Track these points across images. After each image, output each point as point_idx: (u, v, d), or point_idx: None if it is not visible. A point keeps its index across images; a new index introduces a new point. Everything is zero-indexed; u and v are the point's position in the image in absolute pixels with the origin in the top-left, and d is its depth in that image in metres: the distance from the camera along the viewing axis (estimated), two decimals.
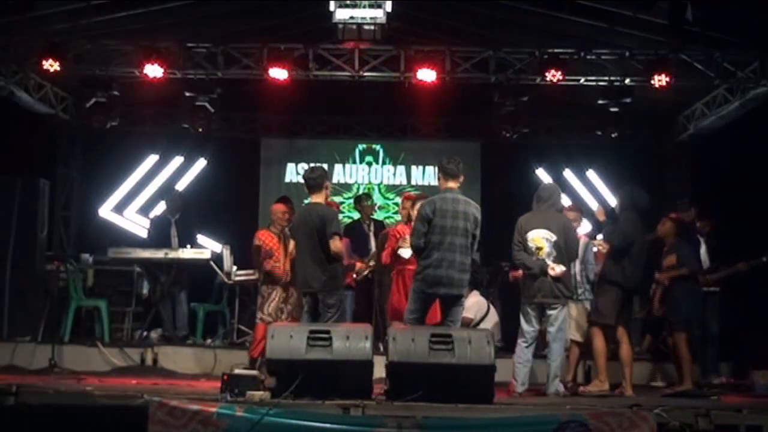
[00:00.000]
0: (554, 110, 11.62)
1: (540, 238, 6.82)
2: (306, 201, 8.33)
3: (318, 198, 6.89)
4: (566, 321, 6.96)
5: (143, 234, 10.93)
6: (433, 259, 6.40)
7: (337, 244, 6.72)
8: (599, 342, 7.08)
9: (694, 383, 7.49)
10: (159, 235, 9.40)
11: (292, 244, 7.23)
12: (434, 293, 6.48)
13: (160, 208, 10.40)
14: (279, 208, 8.07)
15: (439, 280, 6.39)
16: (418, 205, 6.96)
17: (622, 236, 7.07)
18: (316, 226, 6.70)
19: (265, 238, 7.95)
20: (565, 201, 11.34)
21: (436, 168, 6.75)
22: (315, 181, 6.90)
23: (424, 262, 6.46)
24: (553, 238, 6.80)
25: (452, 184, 6.57)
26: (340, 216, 8.59)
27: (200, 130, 10.20)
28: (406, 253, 7.25)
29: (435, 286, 6.42)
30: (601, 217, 7.55)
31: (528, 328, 6.87)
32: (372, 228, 9.29)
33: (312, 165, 7.38)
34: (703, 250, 8.52)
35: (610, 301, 7.06)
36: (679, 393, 7.06)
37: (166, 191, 10.34)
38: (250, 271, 8.96)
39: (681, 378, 7.46)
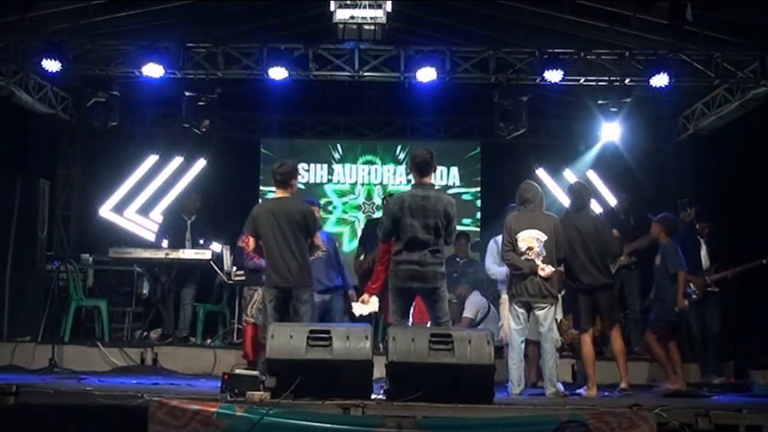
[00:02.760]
0: (554, 110, 11.62)
1: (531, 238, 6.83)
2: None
3: (286, 193, 6.84)
4: (554, 321, 6.97)
5: (146, 234, 10.95)
6: (403, 256, 6.42)
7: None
8: (587, 348, 7.06)
9: (689, 384, 7.50)
10: (172, 233, 9.35)
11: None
12: (408, 287, 6.46)
13: (161, 207, 10.38)
14: None
15: (411, 275, 6.40)
16: None
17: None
18: (296, 222, 6.67)
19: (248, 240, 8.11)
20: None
21: (410, 160, 6.71)
22: (284, 176, 6.83)
23: (395, 259, 6.49)
24: (544, 238, 6.82)
25: (425, 179, 6.55)
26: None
27: (201, 129, 10.19)
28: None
29: (408, 281, 6.42)
30: None
31: (517, 327, 6.88)
32: None
33: (281, 160, 7.28)
34: (703, 251, 8.51)
35: (577, 307, 7.15)
36: (676, 393, 7.07)
37: (185, 192, 10.26)
38: (242, 271, 8.97)
39: (668, 377, 7.46)
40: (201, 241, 9.31)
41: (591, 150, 11.31)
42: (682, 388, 7.22)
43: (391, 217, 6.47)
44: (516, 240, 6.87)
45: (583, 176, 11.71)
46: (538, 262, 6.78)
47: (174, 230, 9.45)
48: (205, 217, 9.76)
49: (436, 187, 6.89)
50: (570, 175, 11.83)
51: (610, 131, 10.40)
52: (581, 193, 7.36)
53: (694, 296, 8.25)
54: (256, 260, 7.91)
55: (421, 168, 6.55)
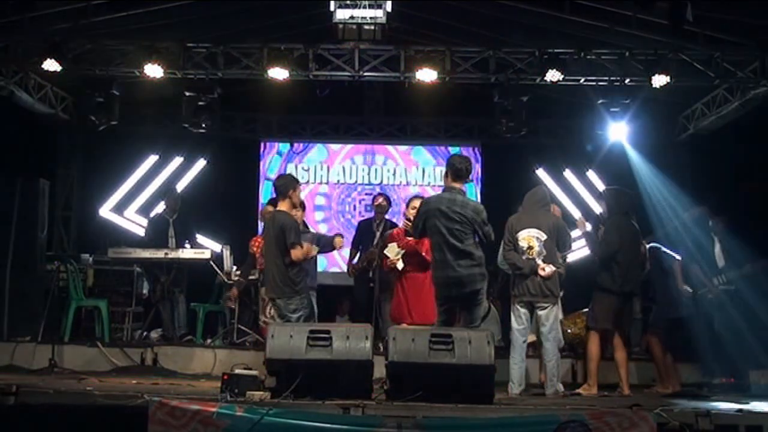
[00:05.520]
0: (554, 110, 11.62)
1: (531, 238, 6.84)
2: None
3: (283, 206, 6.95)
4: (557, 321, 6.96)
5: (141, 233, 10.93)
6: (438, 261, 6.47)
7: (296, 254, 6.75)
8: (594, 347, 7.06)
9: (685, 385, 7.51)
10: (156, 235, 9.40)
11: None
12: (448, 294, 6.49)
13: (161, 207, 10.40)
14: (267, 209, 8.23)
15: (448, 281, 6.42)
16: (412, 203, 7.21)
17: (605, 245, 7.06)
18: (276, 234, 6.77)
19: (256, 244, 8.16)
20: (565, 201, 11.50)
21: (446, 164, 6.79)
22: (279, 189, 7.04)
23: (432, 265, 6.56)
24: (544, 237, 6.82)
25: (456, 184, 6.57)
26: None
27: (201, 129, 10.19)
28: (397, 261, 7.34)
29: (447, 287, 6.45)
30: (583, 228, 7.50)
31: (519, 326, 6.88)
32: (381, 227, 9.25)
33: (282, 173, 7.51)
34: (717, 248, 8.42)
35: (604, 307, 7.06)
36: (670, 394, 7.08)
37: (166, 191, 10.33)
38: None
39: (662, 380, 7.47)
40: (186, 243, 9.30)
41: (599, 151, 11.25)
42: (675, 391, 7.23)
43: (422, 219, 6.53)
44: (516, 239, 6.88)
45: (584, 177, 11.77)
46: (539, 261, 6.79)
47: (156, 229, 9.45)
48: (187, 216, 9.75)
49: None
50: (570, 176, 11.86)
51: (611, 131, 10.40)
52: (622, 196, 7.33)
53: (709, 295, 8.22)
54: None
55: (457, 173, 6.58)
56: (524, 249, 6.85)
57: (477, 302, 6.54)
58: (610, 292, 7.04)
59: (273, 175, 12.18)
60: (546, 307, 6.83)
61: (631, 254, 7.10)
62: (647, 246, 7.66)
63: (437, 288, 6.54)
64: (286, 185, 7.01)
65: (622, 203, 7.27)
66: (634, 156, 10.93)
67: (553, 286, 6.83)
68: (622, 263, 7.03)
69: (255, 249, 8.41)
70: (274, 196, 7.19)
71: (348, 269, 9.37)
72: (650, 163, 10.92)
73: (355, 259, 9.24)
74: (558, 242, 6.91)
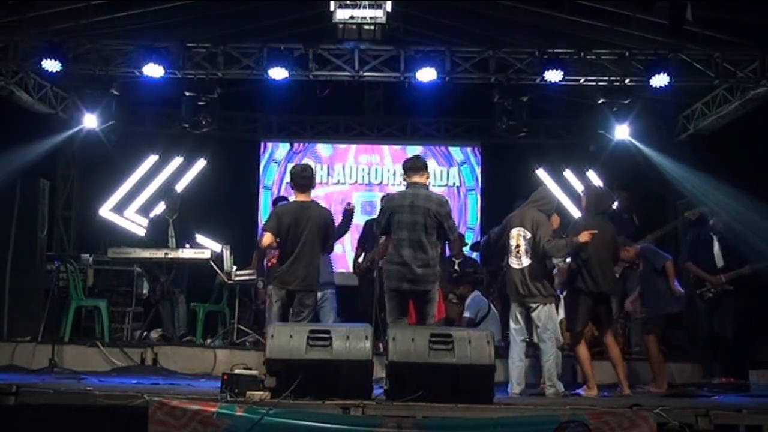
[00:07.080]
0: (554, 110, 11.62)
1: (519, 236, 6.83)
2: None
3: (306, 197, 6.93)
4: (552, 320, 6.89)
5: (141, 234, 10.93)
6: (395, 254, 6.52)
7: (334, 246, 7.02)
8: (581, 349, 6.99)
9: (684, 384, 7.50)
10: (156, 235, 9.40)
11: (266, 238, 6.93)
12: (398, 288, 6.53)
13: (161, 208, 10.40)
14: None
15: (402, 276, 6.47)
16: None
17: (569, 242, 6.92)
18: (318, 226, 6.75)
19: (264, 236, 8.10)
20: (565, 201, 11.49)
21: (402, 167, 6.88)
22: (307, 180, 6.95)
23: (386, 258, 6.63)
24: (528, 235, 6.79)
25: (417, 179, 6.65)
26: None
27: (201, 129, 10.17)
28: None
29: (399, 282, 6.50)
30: (555, 225, 7.45)
31: (516, 326, 6.87)
32: None
33: (302, 164, 7.40)
34: (716, 248, 8.40)
35: (579, 308, 6.97)
36: (667, 394, 7.06)
37: (166, 191, 10.33)
38: (250, 271, 8.97)
39: (655, 380, 7.47)
40: (187, 245, 9.30)
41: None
42: (665, 391, 7.22)
43: (386, 215, 6.61)
44: (509, 237, 6.86)
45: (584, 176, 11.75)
46: (526, 260, 6.75)
47: (157, 230, 9.45)
48: (187, 216, 9.74)
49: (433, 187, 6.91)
50: (570, 176, 11.86)
51: (610, 131, 10.39)
52: (603, 198, 7.29)
53: (709, 294, 8.21)
54: (271, 262, 7.82)
55: (410, 168, 6.71)
56: (513, 247, 6.83)
57: (426, 300, 6.56)
58: (581, 293, 6.95)
59: (270, 182, 12.21)
60: (536, 307, 6.77)
61: (602, 254, 6.95)
62: (638, 247, 7.66)
63: (388, 279, 6.56)
64: (312, 177, 7.03)
65: (599, 203, 7.18)
66: (650, 152, 10.76)
67: (541, 284, 6.75)
68: (591, 263, 6.90)
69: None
70: (293, 186, 7.05)
71: (354, 268, 9.40)
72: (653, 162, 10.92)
73: (361, 258, 9.25)
74: (537, 240, 6.76)
